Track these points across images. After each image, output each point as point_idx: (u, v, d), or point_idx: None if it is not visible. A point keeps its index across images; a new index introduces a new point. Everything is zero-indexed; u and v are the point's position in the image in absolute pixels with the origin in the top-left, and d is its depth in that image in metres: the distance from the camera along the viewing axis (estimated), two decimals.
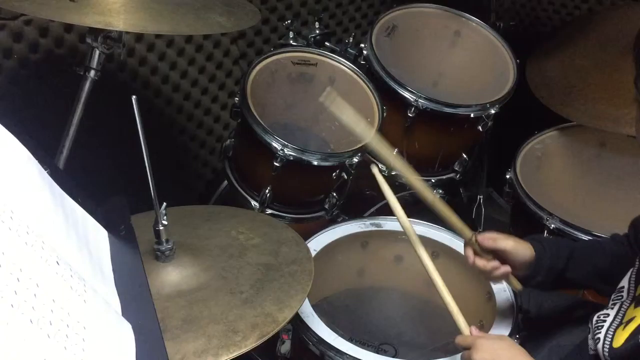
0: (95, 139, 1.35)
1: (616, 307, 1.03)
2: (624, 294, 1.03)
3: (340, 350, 1.16)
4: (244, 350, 0.88)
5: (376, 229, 1.51)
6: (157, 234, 1.00)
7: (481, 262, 1.16)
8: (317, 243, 1.42)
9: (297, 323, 1.23)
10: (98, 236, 0.93)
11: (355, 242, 1.52)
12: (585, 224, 1.56)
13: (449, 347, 1.18)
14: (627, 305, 1.01)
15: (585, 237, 1.53)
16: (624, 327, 0.96)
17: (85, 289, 0.71)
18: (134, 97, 0.89)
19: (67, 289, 0.67)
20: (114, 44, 1.17)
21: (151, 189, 0.94)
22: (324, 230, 1.46)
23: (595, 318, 1.06)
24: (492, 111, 1.68)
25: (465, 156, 1.81)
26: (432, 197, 1.16)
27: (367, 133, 1.08)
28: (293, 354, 1.33)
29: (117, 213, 1.00)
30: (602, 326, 1.02)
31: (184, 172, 2.00)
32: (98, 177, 1.21)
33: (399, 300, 1.57)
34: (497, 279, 1.21)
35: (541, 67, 1.93)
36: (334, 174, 1.55)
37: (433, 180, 1.84)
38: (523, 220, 1.70)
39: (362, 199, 1.86)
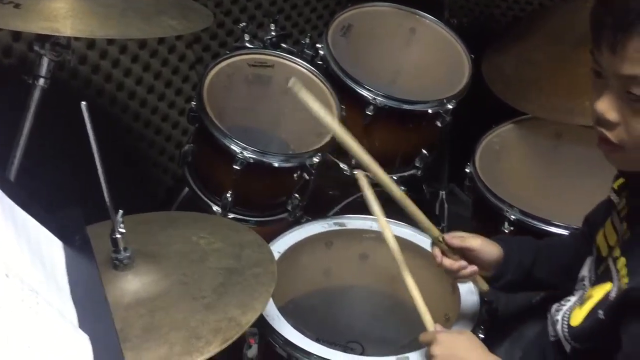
0: (48, 149, 1.32)
1: (578, 294, 1.05)
2: (586, 282, 1.05)
3: (307, 351, 1.16)
4: (207, 355, 0.86)
5: (340, 228, 1.51)
6: (114, 242, 0.98)
7: (448, 262, 1.16)
8: (281, 245, 1.41)
9: (263, 326, 1.22)
10: (52, 247, 0.90)
11: (320, 242, 1.51)
12: (544, 214, 1.58)
13: (416, 343, 1.18)
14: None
15: (546, 227, 1.55)
16: (581, 306, 0.98)
17: (38, 301, 0.69)
18: (83, 103, 0.87)
19: (18, 302, 0.65)
20: (63, 51, 1.14)
21: (105, 196, 0.92)
22: (287, 232, 1.45)
23: (555, 305, 1.08)
24: (449, 106, 1.70)
25: (425, 152, 1.83)
26: (400, 193, 1.16)
27: (333, 123, 1.08)
28: (260, 358, 1.32)
29: (72, 223, 0.98)
30: (561, 309, 1.04)
31: (143, 180, 1.97)
32: (52, 188, 1.18)
33: (366, 298, 1.57)
34: (464, 279, 1.21)
35: (496, 62, 1.96)
36: (295, 175, 1.54)
37: (395, 177, 1.85)
38: (484, 213, 1.72)
39: (325, 199, 1.87)
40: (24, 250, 0.79)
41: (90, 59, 1.69)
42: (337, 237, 1.53)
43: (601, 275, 0.99)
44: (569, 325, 1.00)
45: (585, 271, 1.08)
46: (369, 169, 1.11)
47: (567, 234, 1.46)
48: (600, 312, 0.92)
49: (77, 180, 1.32)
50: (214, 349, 0.87)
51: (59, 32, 0.94)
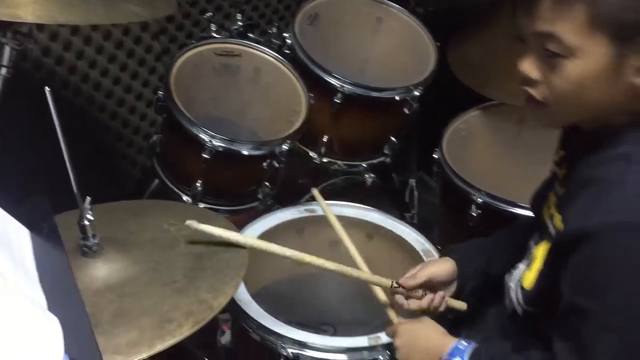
0: (13, 140, 1.30)
1: (526, 261, 1.08)
2: (532, 248, 1.07)
3: (280, 334, 1.17)
4: (179, 338, 0.87)
5: (311, 214, 1.53)
6: (82, 229, 0.97)
7: (415, 304, 1.16)
8: (252, 231, 1.42)
9: (236, 311, 1.23)
10: (20, 235, 0.90)
11: (291, 229, 1.52)
12: (510, 197, 1.62)
13: (387, 323, 1.20)
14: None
15: (512, 209, 1.59)
16: (530, 268, 1.02)
17: (7, 284, 0.69)
18: (47, 88, 0.86)
19: None
20: (25, 40, 1.12)
21: (72, 182, 0.91)
22: (259, 219, 1.46)
23: (506, 276, 1.11)
24: (416, 93, 1.72)
25: (394, 139, 1.85)
26: (336, 266, 1.18)
27: (244, 238, 1.09)
28: (234, 344, 1.33)
29: (39, 212, 0.97)
30: (512, 277, 1.08)
31: (111, 173, 1.95)
32: (18, 179, 1.16)
33: (337, 285, 1.59)
34: (439, 310, 1.19)
35: (461, 51, 1.99)
36: (265, 164, 1.55)
37: (364, 165, 1.87)
38: (452, 197, 1.75)
39: (295, 188, 1.87)
40: None
41: (54, 51, 1.67)
42: (308, 224, 1.54)
43: (541, 235, 1.03)
44: (522, 288, 1.03)
45: (531, 242, 1.11)
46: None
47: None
48: (544, 268, 0.96)
49: (43, 171, 1.31)
50: (186, 332, 0.87)
51: (20, 18, 0.93)
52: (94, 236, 0.98)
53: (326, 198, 1.55)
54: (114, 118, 1.90)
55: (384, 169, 1.95)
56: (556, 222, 0.96)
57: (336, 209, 1.54)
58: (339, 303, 1.46)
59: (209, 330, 1.36)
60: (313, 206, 1.54)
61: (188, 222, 1.01)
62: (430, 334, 1.07)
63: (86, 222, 0.97)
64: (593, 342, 0.85)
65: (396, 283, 1.15)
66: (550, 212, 1.02)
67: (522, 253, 1.15)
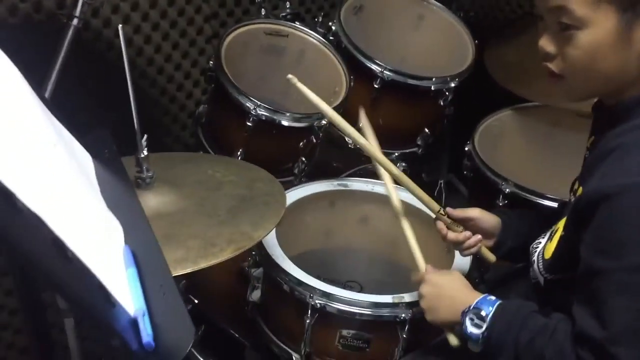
0: (78, 85, 1.40)
1: (548, 234, 1.12)
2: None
3: (309, 285, 1.23)
4: (221, 259, 0.94)
5: (343, 188, 1.59)
6: (138, 161, 1.05)
7: (453, 235, 1.23)
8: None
9: (269, 265, 1.30)
10: (84, 157, 0.98)
11: (324, 202, 1.59)
12: (538, 189, 1.66)
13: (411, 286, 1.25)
14: None
15: (539, 200, 1.64)
16: (551, 240, 1.06)
17: (79, 176, 0.77)
18: (120, 25, 0.95)
19: (64, 169, 0.73)
20: None
21: (133, 113, 1.00)
22: (292, 189, 1.53)
23: (530, 249, 1.16)
24: (452, 84, 1.79)
25: (427, 131, 1.91)
26: (398, 172, 1.23)
27: (328, 110, 1.17)
28: (264, 300, 1.39)
29: (100, 141, 1.06)
30: (536, 250, 1.12)
31: (155, 149, 2.04)
32: (84, 115, 1.25)
33: (365, 261, 1.65)
34: (470, 250, 1.24)
35: (498, 52, 2.06)
36: (303, 138, 1.62)
37: (396, 154, 1.93)
38: (480, 189, 1.80)
39: (329, 171, 1.94)
40: (63, 149, 0.87)
41: (114, 23, 1.78)
42: (340, 198, 1.60)
43: (564, 212, 1.07)
44: (543, 259, 1.08)
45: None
46: (366, 150, 1.19)
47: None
48: (563, 232, 1.00)
49: (102, 117, 1.40)
50: (227, 254, 0.95)
51: None
52: (147, 169, 1.07)
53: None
54: (162, 94, 2.00)
55: (415, 160, 2.01)
56: (578, 193, 1.00)
57: (368, 186, 1.61)
58: (367, 266, 1.51)
59: (241, 291, 1.44)
60: (346, 181, 1.61)
61: (290, 76, 1.06)
62: (459, 285, 1.11)
63: (142, 155, 1.06)
64: (611, 303, 0.87)
65: (443, 210, 1.20)
66: (574, 188, 1.07)
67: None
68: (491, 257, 1.26)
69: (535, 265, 1.12)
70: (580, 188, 1.00)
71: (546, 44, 0.97)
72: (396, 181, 1.27)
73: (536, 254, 1.13)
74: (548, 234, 1.12)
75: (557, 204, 1.57)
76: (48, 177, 0.64)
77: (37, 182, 0.60)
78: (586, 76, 0.95)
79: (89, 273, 0.59)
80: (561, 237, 1.03)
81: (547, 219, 1.26)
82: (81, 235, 0.64)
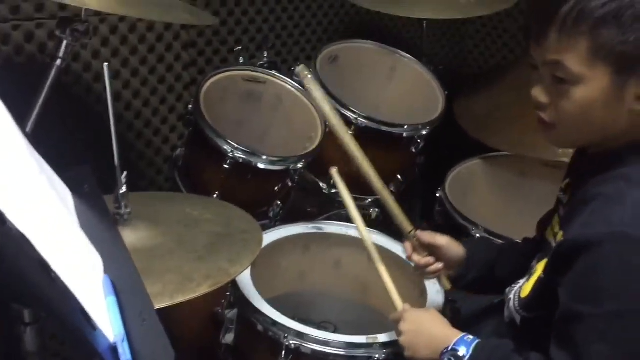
0: (60, 126, 1.41)
1: (526, 276, 1.15)
2: (534, 265, 1.15)
3: (284, 325, 1.23)
4: (198, 294, 0.94)
5: (317, 231, 1.61)
6: (117, 197, 1.06)
7: (417, 257, 1.28)
8: None
9: (244, 306, 1.30)
10: (64, 192, 0.99)
11: (298, 244, 1.61)
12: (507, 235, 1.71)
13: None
14: None
15: None
16: (529, 280, 1.09)
17: (61, 206, 0.78)
18: (105, 64, 0.98)
19: (49, 196, 0.74)
20: (81, 37, 1.26)
21: (114, 149, 1.01)
22: (267, 231, 1.54)
23: (508, 289, 1.18)
24: (424, 132, 1.85)
25: (400, 178, 1.96)
26: (380, 186, 1.28)
27: (331, 113, 1.21)
28: (237, 341, 1.39)
29: (81, 177, 1.07)
30: (513, 289, 1.15)
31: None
32: (65, 153, 1.26)
33: (339, 306, 1.65)
34: (430, 275, 1.31)
35: (467, 104, 2.14)
36: (279, 181, 1.65)
37: (370, 200, 1.96)
38: (452, 235, 1.81)
39: (303, 215, 1.96)
40: (45, 180, 0.88)
41: (95, 67, 1.81)
42: (314, 241, 1.62)
43: (543, 254, 1.10)
44: (519, 298, 1.10)
45: (534, 261, 1.18)
46: (355, 159, 1.23)
47: None
48: (542, 275, 1.03)
49: (81, 157, 1.41)
50: (204, 289, 0.95)
51: (86, 5, 1.07)
52: (126, 206, 1.08)
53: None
54: (138, 137, 2.02)
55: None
56: (558, 238, 1.04)
57: (342, 229, 1.63)
58: (341, 307, 1.52)
59: (214, 332, 1.43)
60: (320, 224, 1.63)
61: (300, 67, 1.08)
62: (437, 323, 1.13)
63: (122, 192, 1.07)
64: (589, 349, 0.89)
65: (414, 232, 1.26)
66: (553, 232, 1.10)
67: (524, 270, 1.21)
68: (447, 285, 1.32)
69: (511, 304, 1.14)
70: (561, 232, 1.03)
71: (539, 94, 0.98)
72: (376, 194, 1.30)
73: (513, 292, 1.15)
74: (526, 277, 1.15)
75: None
76: (34, 200, 0.65)
77: (24, 203, 0.61)
78: (576, 126, 0.98)
79: (71, 296, 0.59)
80: (540, 279, 1.05)
81: (515, 251, 1.31)
82: (64, 259, 0.64)
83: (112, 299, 0.71)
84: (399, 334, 1.16)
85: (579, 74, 0.93)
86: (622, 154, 0.98)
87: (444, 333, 1.10)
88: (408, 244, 1.29)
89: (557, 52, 0.94)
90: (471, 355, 1.01)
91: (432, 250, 1.28)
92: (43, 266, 0.57)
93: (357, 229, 1.33)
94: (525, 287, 1.09)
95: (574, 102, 0.94)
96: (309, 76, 1.16)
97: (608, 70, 0.92)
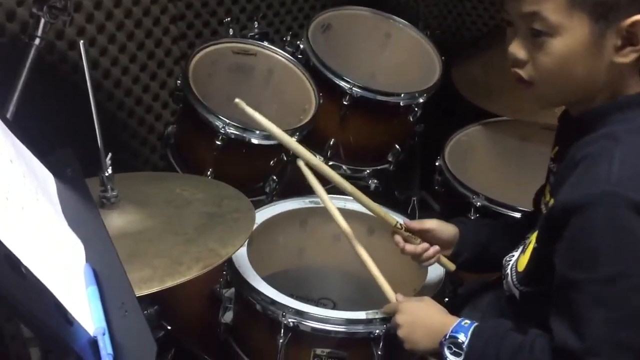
0: (42, 105, 1.37)
1: (521, 247, 1.12)
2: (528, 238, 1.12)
3: (282, 304, 1.21)
4: (188, 277, 0.92)
5: (315, 206, 1.58)
6: (102, 180, 1.03)
7: (411, 247, 1.23)
8: (256, 218, 1.47)
9: (241, 285, 1.27)
10: (45, 175, 0.96)
11: (294, 219, 1.58)
12: (509, 202, 1.67)
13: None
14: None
15: (510, 213, 1.64)
16: (524, 252, 1.06)
17: (37, 193, 0.75)
18: (81, 41, 0.94)
19: (21, 184, 0.70)
20: (59, 13, 1.21)
21: (97, 131, 0.98)
22: (263, 207, 1.51)
23: (504, 261, 1.15)
24: (421, 100, 1.80)
25: (398, 147, 1.92)
26: (351, 188, 1.22)
27: (277, 130, 1.16)
28: (235, 321, 1.37)
29: (63, 161, 1.03)
30: (509, 263, 1.12)
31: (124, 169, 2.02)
32: (47, 136, 1.23)
33: (338, 279, 1.63)
34: (429, 261, 1.25)
35: (465, 70, 2.09)
36: (274, 156, 1.61)
37: (368, 171, 1.93)
38: (452, 203, 1.80)
39: (300, 189, 1.93)
40: (23, 167, 0.85)
41: (78, 45, 1.76)
42: (311, 216, 1.59)
43: (537, 224, 1.06)
44: (517, 272, 1.07)
45: (529, 234, 1.15)
46: (317, 167, 1.18)
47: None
48: (536, 245, 1.00)
49: (66, 139, 1.38)
50: (195, 272, 0.93)
51: None
52: (112, 189, 1.05)
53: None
54: (130, 116, 1.98)
55: (387, 177, 2.01)
56: (550, 204, 1.01)
57: (339, 202, 1.59)
58: (340, 283, 1.50)
59: (213, 311, 1.41)
60: (317, 199, 1.60)
61: (237, 100, 1.04)
62: (433, 312, 1.10)
63: (106, 174, 1.04)
64: (587, 315, 0.87)
65: (399, 224, 1.20)
66: (545, 200, 1.07)
67: (519, 242, 1.20)
68: (451, 266, 1.27)
69: (509, 278, 1.11)
70: (552, 200, 1.00)
71: (517, 49, 0.96)
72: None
73: (509, 267, 1.12)
74: (520, 247, 1.12)
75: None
76: (2, 194, 0.62)
77: None
78: (555, 83, 0.95)
79: (44, 290, 0.57)
80: (534, 249, 1.02)
81: (511, 228, 1.28)
82: (37, 251, 0.61)
83: (94, 289, 0.68)
84: (397, 326, 1.13)
85: (557, 24, 0.90)
86: (604, 112, 0.95)
87: (441, 321, 1.07)
88: (398, 237, 1.23)
89: (534, 2, 0.90)
90: (470, 341, 0.99)
91: (423, 236, 1.23)
92: (12, 261, 0.54)
93: (337, 222, 1.26)
94: (521, 260, 1.07)
95: (552, 55, 0.91)
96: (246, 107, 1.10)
97: (586, 19, 0.89)
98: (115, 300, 0.66)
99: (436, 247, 1.22)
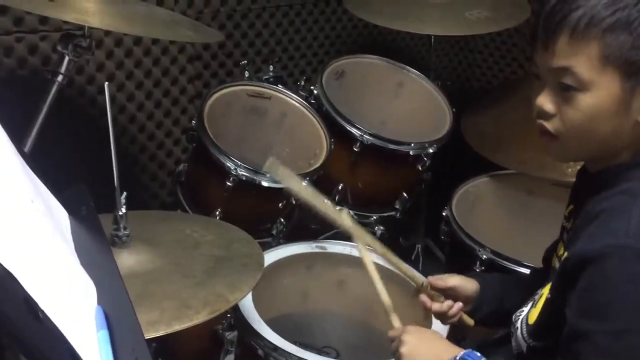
0: (58, 139, 1.39)
1: (531, 302, 1.12)
2: (539, 291, 1.12)
3: (285, 351, 1.20)
4: (195, 322, 0.92)
5: (321, 251, 1.59)
6: (116, 219, 1.04)
7: (437, 305, 1.22)
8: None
9: (244, 328, 1.27)
10: (60, 213, 0.97)
11: (301, 263, 1.58)
12: (514, 256, 1.67)
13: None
14: None
15: (515, 267, 1.64)
16: (535, 306, 1.05)
17: (54, 233, 0.76)
18: (106, 83, 0.96)
19: (40, 225, 0.71)
20: (83, 52, 1.24)
21: (114, 171, 0.99)
22: (271, 250, 1.52)
23: (513, 317, 1.15)
24: (431, 150, 1.82)
25: (405, 195, 1.93)
26: (382, 250, 1.24)
27: (313, 195, 1.17)
28: None
29: (78, 198, 1.04)
30: (519, 318, 1.11)
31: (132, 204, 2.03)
32: (63, 172, 1.24)
33: (342, 326, 1.62)
34: (452, 319, 1.24)
35: (475, 121, 2.11)
36: (283, 199, 1.62)
37: (374, 217, 1.94)
38: (457, 254, 1.80)
39: (307, 233, 1.94)
40: (40, 204, 0.86)
41: (98, 80, 1.80)
42: (317, 260, 1.60)
43: (549, 279, 1.06)
44: (527, 325, 1.07)
45: (540, 289, 1.16)
46: (350, 231, 1.19)
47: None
48: (549, 296, 0.99)
49: (81, 173, 1.39)
50: (202, 317, 0.92)
51: (88, 23, 1.05)
52: (124, 227, 1.05)
53: None
54: (142, 151, 2.00)
55: (393, 224, 2.02)
56: (564, 257, 1.00)
57: (346, 249, 1.60)
58: (344, 330, 1.49)
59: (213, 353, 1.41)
60: (324, 244, 1.61)
61: (271, 159, 1.05)
62: (437, 342, 1.09)
63: (120, 213, 1.04)
64: None
65: (426, 283, 1.21)
66: (559, 254, 1.07)
67: (529, 298, 1.19)
68: (470, 321, 1.26)
69: (518, 332, 1.10)
70: (566, 253, 0.99)
71: (544, 102, 0.95)
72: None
73: (519, 321, 1.12)
74: (530, 303, 1.12)
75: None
76: (23, 234, 0.62)
77: (11, 239, 0.59)
78: (581, 138, 0.95)
79: (59, 335, 0.57)
80: (547, 300, 1.02)
81: (522, 283, 1.27)
82: (54, 295, 0.62)
83: (104, 333, 0.68)
84: (400, 342, 1.10)
85: (588, 80, 0.90)
86: (625, 170, 0.95)
87: (449, 347, 1.07)
88: (424, 297, 1.24)
89: (566, 57, 0.91)
90: None
91: (446, 293, 1.24)
92: (30, 305, 0.54)
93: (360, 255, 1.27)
94: (532, 313, 1.06)
95: (581, 110, 0.92)
96: (281, 168, 1.12)
97: (617, 77, 0.90)
98: (125, 345, 0.66)
99: (459, 304, 1.22)
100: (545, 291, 1.04)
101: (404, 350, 1.08)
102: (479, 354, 1.02)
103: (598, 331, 0.87)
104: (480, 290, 1.24)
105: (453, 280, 1.23)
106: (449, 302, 1.22)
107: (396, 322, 1.19)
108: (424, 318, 1.45)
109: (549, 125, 0.96)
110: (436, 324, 1.37)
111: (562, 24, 0.91)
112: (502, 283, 1.27)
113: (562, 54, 0.92)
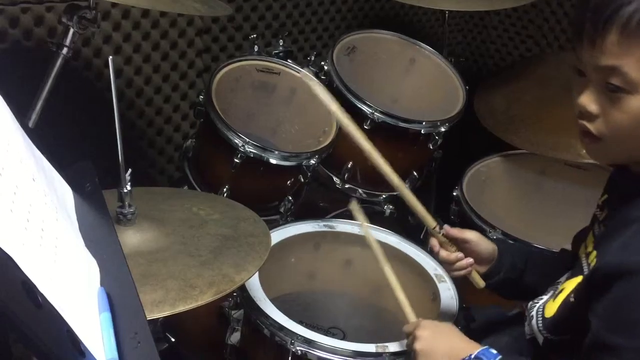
0: (63, 113, 1.37)
1: (551, 292, 1.10)
2: (561, 280, 1.10)
3: (291, 331, 1.19)
4: (200, 302, 0.90)
5: (328, 230, 1.57)
6: (121, 196, 1.02)
7: (445, 253, 1.19)
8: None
9: (251, 308, 1.26)
10: (64, 190, 0.95)
11: (308, 242, 1.56)
12: (525, 238, 1.65)
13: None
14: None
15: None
16: (554, 298, 1.03)
17: (57, 212, 0.74)
18: (110, 57, 0.94)
19: (42, 204, 0.69)
20: (89, 24, 1.21)
21: (119, 147, 0.97)
22: (277, 228, 1.50)
23: (529, 303, 1.13)
24: (442, 129, 1.78)
25: (415, 174, 1.90)
26: (398, 181, 1.21)
27: (338, 111, 1.15)
28: (242, 343, 1.35)
29: (82, 174, 1.03)
30: (535, 306, 1.09)
31: (139, 180, 2.02)
32: (67, 147, 1.23)
33: (348, 306, 1.61)
34: (460, 272, 1.21)
35: (487, 100, 2.07)
36: (291, 177, 1.60)
37: (384, 196, 1.91)
38: None
39: (315, 211, 1.92)
40: (42, 179, 0.84)
41: (105, 53, 1.77)
42: (325, 240, 1.58)
43: (573, 272, 1.04)
44: (543, 317, 1.04)
45: (563, 277, 1.13)
46: (370, 157, 1.17)
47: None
48: (572, 297, 0.97)
49: (87, 147, 1.38)
50: (207, 298, 0.91)
51: None
52: (129, 205, 1.04)
53: None
54: (150, 125, 1.98)
55: (402, 203, 1.99)
56: (591, 258, 0.98)
57: (354, 228, 1.58)
58: (350, 310, 1.48)
59: (219, 331, 1.40)
60: (332, 222, 1.59)
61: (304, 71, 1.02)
62: (456, 333, 1.08)
63: (125, 190, 1.03)
64: None
65: (438, 227, 1.17)
66: (586, 251, 1.03)
67: (549, 285, 1.16)
68: (481, 282, 1.23)
69: (533, 321, 1.08)
70: (595, 252, 0.97)
71: (588, 102, 0.90)
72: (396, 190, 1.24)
73: (535, 309, 1.09)
74: (550, 292, 1.09)
75: None
76: (23, 215, 0.61)
77: (11, 221, 0.57)
78: (625, 141, 0.90)
79: (59, 319, 0.55)
80: (569, 301, 0.99)
81: (547, 264, 1.24)
82: (55, 277, 0.60)
83: (107, 316, 0.67)
84: (415, 338, 1.09)
85: (637, 81, 0.85)
86: None
87: (465, 343, 1.05)
88: (434, 240, 1.20)
89: (616, 56, 0.85)
90: None
91: (460, 246, 1.19)
92: (29, 289, 0.53)
93: (364, 233, 1.26)
94: (549, 305, 1.04)
95: (628, 112, 0.87)
96: (314, 81, 1.09)
97: None
98: (128, 329, 0.65)
99: (470, 260, 1.18)
100: (567, 286, 1.02)
101: (419, 346, 1.07)
102: (494, 352, 1.00)
103: (626, 347, 0.85)
104: (499, 255, 1.21)
105: (469, 234, 1.20)
106: (458, 254, 1.18)
107: (411, 316, 1.17)
108: (432, 299, 1.44)
109: (591, 127, 0.91)
110: (443, 306, 1.36)
111: (612, 20, 0.84)
112: (526, 255, 1.24)
113: (611, 52, 0.85)
